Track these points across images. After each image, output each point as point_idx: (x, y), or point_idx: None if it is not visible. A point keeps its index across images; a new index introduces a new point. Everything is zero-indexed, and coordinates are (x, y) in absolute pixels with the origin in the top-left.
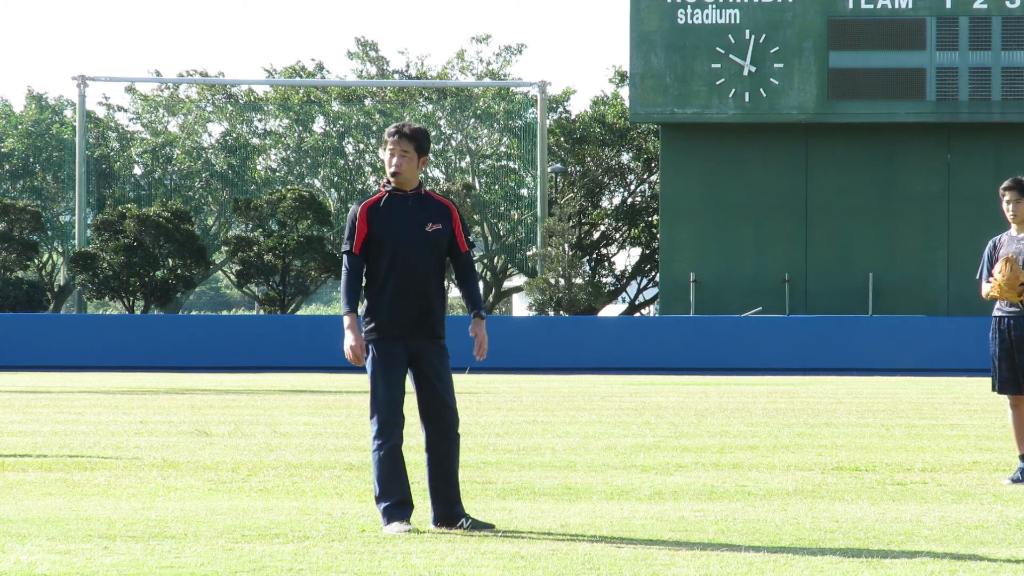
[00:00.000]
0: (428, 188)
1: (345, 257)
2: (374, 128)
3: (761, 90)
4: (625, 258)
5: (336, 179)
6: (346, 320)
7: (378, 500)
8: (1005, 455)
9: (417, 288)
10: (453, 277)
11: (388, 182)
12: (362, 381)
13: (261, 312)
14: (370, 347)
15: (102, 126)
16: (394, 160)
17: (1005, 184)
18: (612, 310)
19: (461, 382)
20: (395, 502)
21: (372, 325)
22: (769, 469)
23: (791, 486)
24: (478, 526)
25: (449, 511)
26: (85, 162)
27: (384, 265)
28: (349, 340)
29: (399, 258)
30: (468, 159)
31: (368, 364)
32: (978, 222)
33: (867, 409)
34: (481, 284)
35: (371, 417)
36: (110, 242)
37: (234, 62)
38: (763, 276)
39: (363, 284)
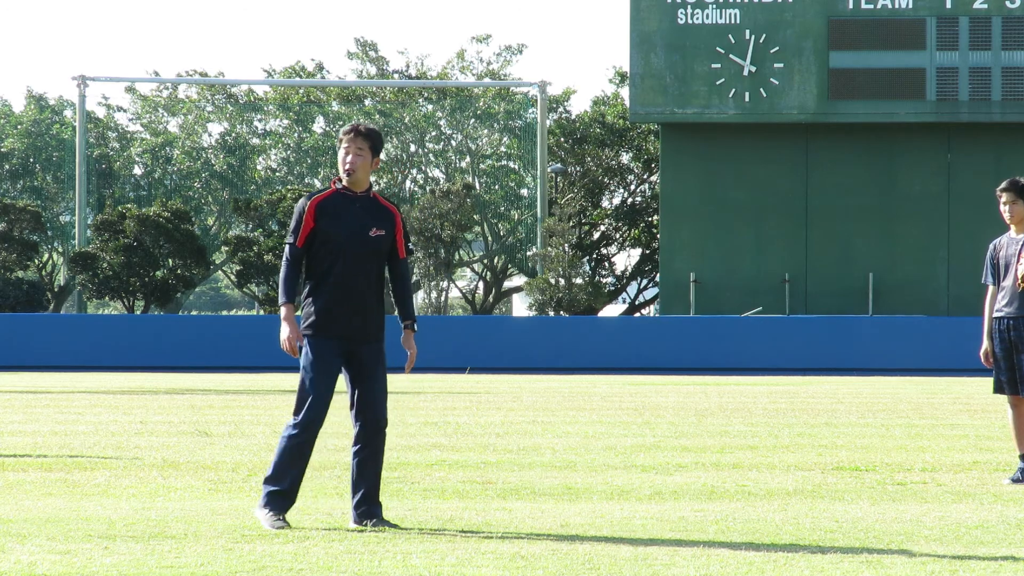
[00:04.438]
0: (376, 191)
1: (288, 248)
2: None
3: (761, 90)
4: (625, 258)
5: None
6: (283, 311)
7: (266, 481)
8: (1005, 455)
9: (356, 290)
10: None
11: (339, 180)
12: None
13: (261, 312)
14: (305, 343)
15: (102, 126)
16: (349, 158)
17: (1002, 186)
18: (612, 310)
19: (460, 382)
20: (282, 490)
21: (309, 321)
22: (769, 469)
23: (791, 486)
24: (382, 523)
25: (370, 511)
26: (85, 162)
27: (326, 263)
28: (285, 331)
29: (342, 258)
30: (468, 159)
31: (301, 359)
32: (978, 222)
33: (867, 409)
34: (481, 284)
35: (296, 409)
36: (110, 242)
37: (234, 62)
38: (763, 276)
39: (302, 278)
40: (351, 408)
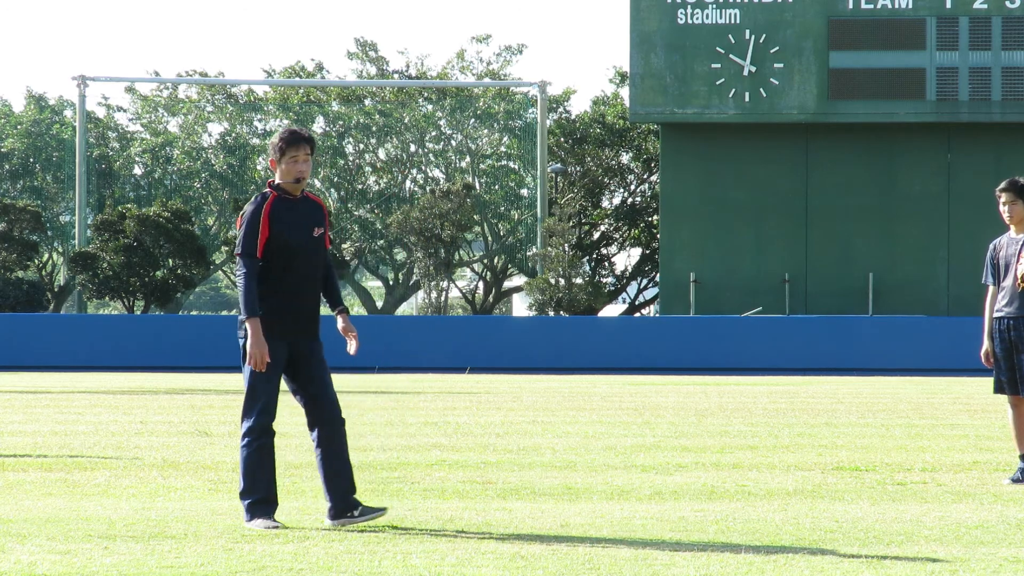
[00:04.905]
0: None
1: (247, 262)
2: (374, 128)
3: (761, 90)
4: (625, 258)
5: (336, 179)
6: (252, 325)
7: (242, 495)
8: (1005, 455)
9: (308, 290)
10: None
11: (278, 185)
12: (360, 381)
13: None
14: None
15: (102, 126)
16: (300, 166)
17: (1001, 186)
18: (612, 310)
19: (461, 382)
20: (260, 499)
21: (267, 325)
22: (769, 469)
23: (791, 486)
24: (367, 512)
25: (344, 502)
26: (85, 162)
27: (279, 268)
28: (262, 346)
29: (295, 261)
30: (468, 159)
31: (247, 363)
32: (978, 222)
33: (867, 409)
34: (481, 284)
35: (246, 415)
36: (110, 242)
37: (233, 62)
38: (763, 276)
39: None
40: (307, 408)
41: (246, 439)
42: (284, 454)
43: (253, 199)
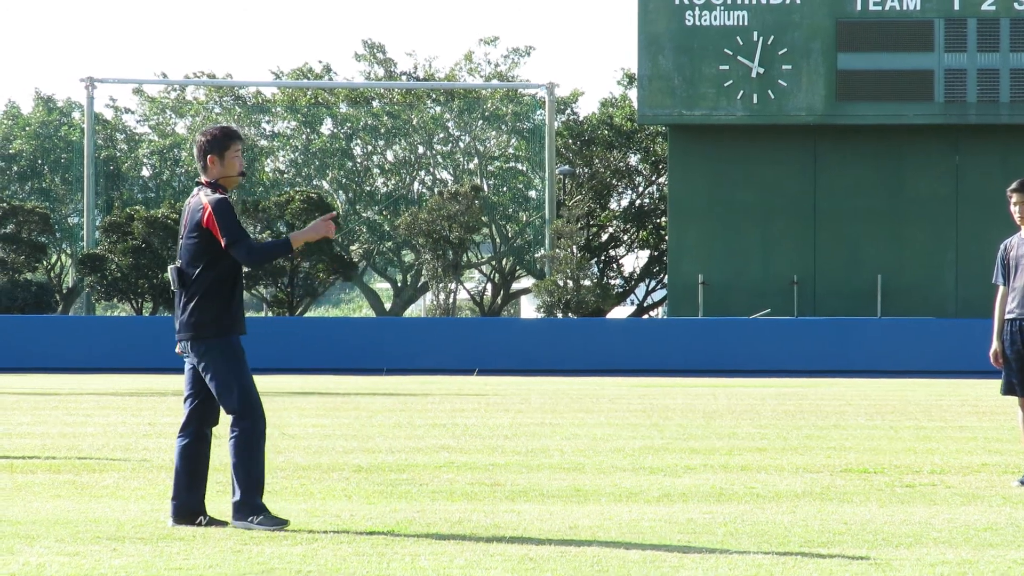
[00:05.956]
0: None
1: (247, 242)
2: (382, 130)
3: (769, 92)
4: (633, 260)
5: (344, 181)
6: (294, 237)
7: (259, 495)
8: (1014, 457)
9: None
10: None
11: (217, 181)
12: (368, 382)
13: (269, 314)
14: (231, 343)
15: (110, 128)
16: (241, 160)
17: (1012, 186)
18: (620, 312)
19: (469, 384)
20: (262, 496)
21: (221, 322)
22: (778, 471)
23: (800, 488)
24: (214, 522)
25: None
26: (93, 164)
27: (230, 263)
28: (315, 227)
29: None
30: (476, 161)
31: (224, 361)
32: (986, 224)
33: (875, 411)
34: (489, 286)
35: (246, 414)
36: (118, 244)
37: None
38: (771, 278)
39: (201, 277)
40: (203, 409)
41: (251, 432)
42: (292, 456)
43: (205, 193)
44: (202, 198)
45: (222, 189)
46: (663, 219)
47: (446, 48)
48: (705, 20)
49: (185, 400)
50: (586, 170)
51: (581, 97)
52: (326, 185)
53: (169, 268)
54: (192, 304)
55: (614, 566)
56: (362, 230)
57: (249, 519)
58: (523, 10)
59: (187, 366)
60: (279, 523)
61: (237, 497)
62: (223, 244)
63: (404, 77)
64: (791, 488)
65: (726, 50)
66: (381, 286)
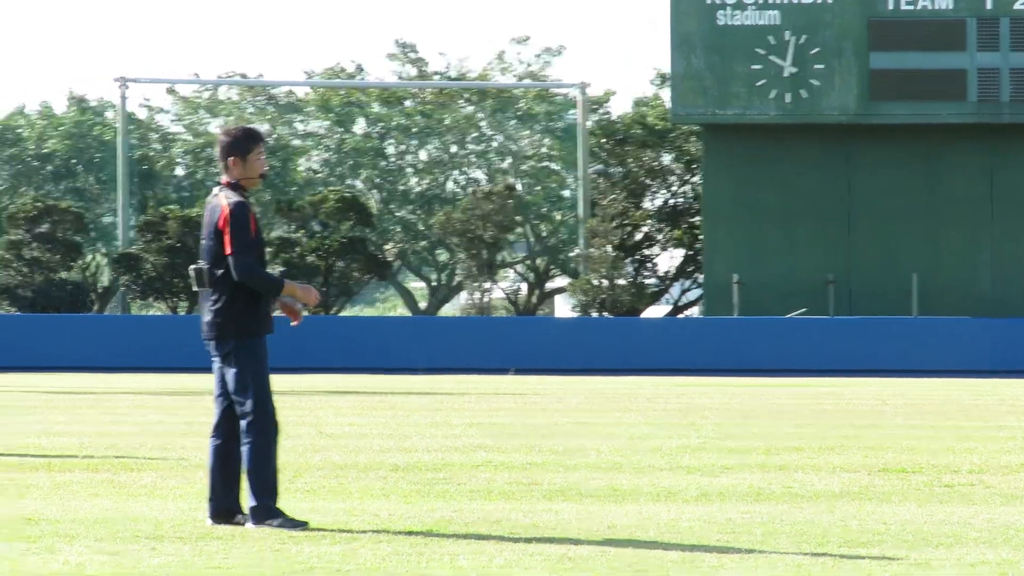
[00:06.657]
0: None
1: (252, 266)
2: (414, 130)
3: (802, 91)
4: (668, 259)
5: (378, 180)
6: (288, 286)
7: (274, 499)
8: None
9: None
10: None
11: (238, 183)
12: (404, 382)
13: (305, 313)
14: (253, 345)
15: (143, 127)
16: (264, 162)
17: None
18: (656, 311)
19: (505, 383)
20: (277, 498)
21: (248, 325)
22: (815, 471)
23: (838, 488)
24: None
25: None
26: (127, 163)
27: (261, 266)
28: (311, 291)
29: (262, 258)
30: (509, 160)
31: (243, 363)
32: (1022, 223)
33: (913, 411)
34: (524, 285)
35: (257, 419)
36: (153, 243)
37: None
38: (806, 277)
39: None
40: (228, 414)
41: (267, 432)
42: (329, 455)
43: (226, 195)
44: (222, 200)
45: (242, 190)
46: (697, 218)
47: (478, 47)
48: (737, 20)
49: (216, 400)
50: (620, 169)
51: (613, 96)
52: (360, 184)
53: (191, 268)
54: (217, 305)
55: (653, 566)
56: (396, 229)
57: (267, 523)
58: (555, 9)
59: (215, 365)
60: (298, 524)
61: (253, 503)
62: (227, 251)
63: (436, 77)
64: (829, 488)
65: (758, 49)
66: (416, 285)
